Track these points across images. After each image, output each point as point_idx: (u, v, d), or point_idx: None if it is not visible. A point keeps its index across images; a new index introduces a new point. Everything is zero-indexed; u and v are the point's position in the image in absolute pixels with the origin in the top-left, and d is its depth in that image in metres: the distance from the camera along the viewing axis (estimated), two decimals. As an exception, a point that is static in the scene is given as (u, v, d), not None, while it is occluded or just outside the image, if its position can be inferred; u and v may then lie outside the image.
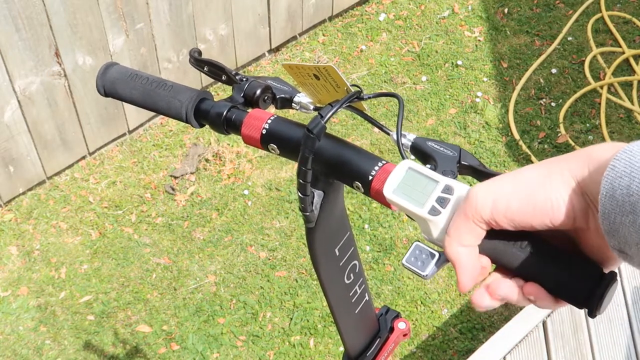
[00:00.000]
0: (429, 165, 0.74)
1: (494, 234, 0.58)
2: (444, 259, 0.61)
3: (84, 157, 2.94)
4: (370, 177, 0.75)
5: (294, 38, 3.48)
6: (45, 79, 2.59)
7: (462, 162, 0.73)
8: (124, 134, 3.02)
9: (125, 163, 2.95)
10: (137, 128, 3.05)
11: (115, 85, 0.92)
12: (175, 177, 2.90)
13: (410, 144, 0.78)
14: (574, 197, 0.52)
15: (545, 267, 0.57)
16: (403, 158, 0.72)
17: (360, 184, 0.76)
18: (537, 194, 0.53)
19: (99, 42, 2.67)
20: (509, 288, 0.57)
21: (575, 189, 0.52)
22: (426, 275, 0.61)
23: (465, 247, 0.57)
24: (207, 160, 2.95)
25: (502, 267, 0.60)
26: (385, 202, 0.69)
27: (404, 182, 0.63)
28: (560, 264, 0.57)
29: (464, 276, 0.57)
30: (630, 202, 0.47)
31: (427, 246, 0.62)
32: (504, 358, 1.95)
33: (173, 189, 2.86)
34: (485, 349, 1.98)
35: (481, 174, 0.73)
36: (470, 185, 0.62)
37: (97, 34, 2.64)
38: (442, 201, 0.60)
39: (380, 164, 0.75)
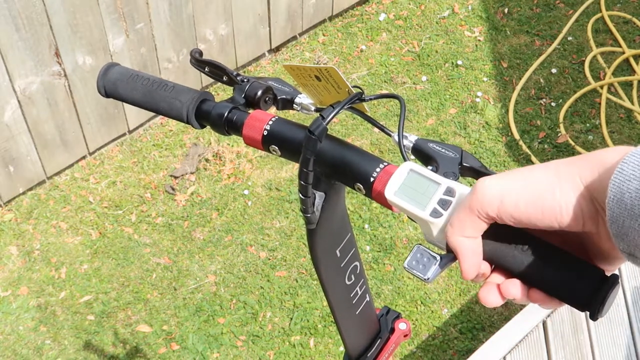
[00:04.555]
0: (430, 167, 0.74)
1: (496, 233, 0.58)
2: (445, 262, 0.61)
3: (84, 157, 2.94)
4: (372, 179, 0.75)
5: (294, 38, 3.48)
6: (45, 79, 2.59)
7: (464, 164, 0.73)
8: (124, 134, 3.02)
9: (125, 163, 2.95)
10: (137, 128, 3.05)
11: (116, 86, 0.92)
12: (175, 177, 2.90)
13: (411, 145, 0.78)
14: (583, 202, 0.52)
15: (546, 272, 0.57)
16: (405, 160, 0.72)
17: (361, 186, 0.76)
18: (547, 197, 0.53)
19: (99, 42, 2.67)
20: (517, 290, 0.58)
21: (584, 195, 0.52)
22: (428, 279, 0.61)
23: (468, 237, 0.57)
24: (207, 160, 2.95)
25: (503, 270, 0.60)
26: (386, 204, 0.69)
27: (406, 184, 0.63)
28: (562, 267, 0.57)
29: (466, 264, 0.58)
30: (639, 206, 0.46)
31: (429, 249, 0.62)
32: (504, 358, 1.95)
33: (173, 189, 2.86)
34: (485, 349, 1.98)
35: (482, 176, 0.73)
36: (467, 184, 0.62)
37: (97, 34, 2.64)
38: (444, 203, 0.60)
39: (381, 166, 0.75)
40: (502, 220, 0.55)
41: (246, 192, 2.86)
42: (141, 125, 3.06)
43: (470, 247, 0.57)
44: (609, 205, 0.48)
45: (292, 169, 2.93)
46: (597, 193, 0.51)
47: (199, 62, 0.91)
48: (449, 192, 0.61)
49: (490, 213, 0.55)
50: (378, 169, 0.75)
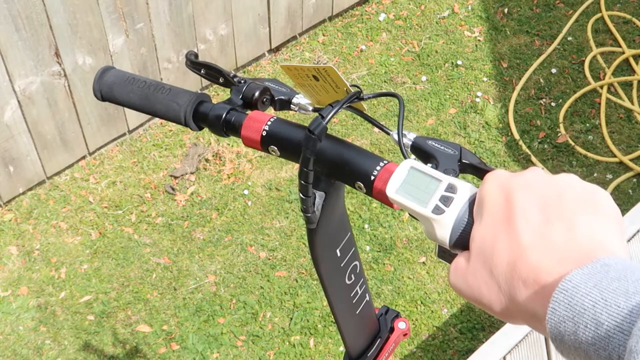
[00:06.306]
0: (430, 164, 0.74)
1: None
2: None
3: (84, 157, 2.94)
4: (373, 177, 0.75)
5: (294, 38, 3.47)
6: (45, 79, 2.59)
7: (463, 161, 0.73)
8: (124, 134, 3.02)
9: (125, 163, 2.95)
10: (137, 128, 3.05)
11: (112, 90, 0.91)
12: (175, 177, 2.90)
13: (410, 143, 0.77)
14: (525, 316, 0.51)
15: None
16: (405, 157, 0.72)
17: (362, 184, 0.76)
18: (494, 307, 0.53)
19: (99, 42, 2.67)
20: None
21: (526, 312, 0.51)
22: None
23: None
24: (207, 160, 2.95)
25: None
26: (387, 202, 0.69)
27: (407, 181, 0.63)
28: None
29: None
30: (583, 349, 0.45)
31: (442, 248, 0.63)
32: (504, 358, 1.95)
33: (173, 189, 2.86)
34: (485, 349, 1.98)
35: (482, 172, 0.73)
36: (467, 180, 0.62)
37: (97, 33, 2.64)
38: (445, 200, 0.60)
39: (382, 164, 0.75)
40: None
41: (246, 192, 2.86)
42: (141, 125, 3.06)
43: None
44: (554, 344, 0.47)
45: (292, 169, 2.93)
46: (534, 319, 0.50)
47: (194, 64, 0.91)
48: (451, 188, 0.61)
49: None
50: (378, 167, 0.75)
